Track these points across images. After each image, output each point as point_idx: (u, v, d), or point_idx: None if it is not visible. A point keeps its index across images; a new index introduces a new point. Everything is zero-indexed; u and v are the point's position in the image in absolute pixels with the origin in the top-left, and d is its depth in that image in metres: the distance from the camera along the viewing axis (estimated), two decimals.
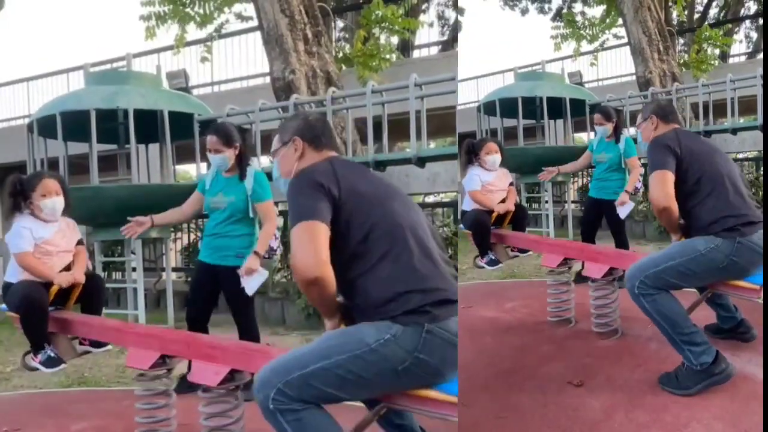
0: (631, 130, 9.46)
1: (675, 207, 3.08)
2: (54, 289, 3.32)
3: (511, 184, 4.89)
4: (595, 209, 5.50)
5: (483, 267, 4.64)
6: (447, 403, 2.05)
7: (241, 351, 2.63)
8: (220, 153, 3.82)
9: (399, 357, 1.98)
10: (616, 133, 5.39)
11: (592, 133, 7.29)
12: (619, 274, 3.90)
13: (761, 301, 3.09)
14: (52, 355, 3.27)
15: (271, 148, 2.43)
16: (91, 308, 3.48)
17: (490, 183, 4.72)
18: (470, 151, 4.84)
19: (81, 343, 3.44)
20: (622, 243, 5.36)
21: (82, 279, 3.39)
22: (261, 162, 6.65)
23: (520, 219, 4.80)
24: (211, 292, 3.90)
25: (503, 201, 4.73)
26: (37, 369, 3.28)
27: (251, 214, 3.83)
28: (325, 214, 2.05)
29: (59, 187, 3.45)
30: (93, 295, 3.48)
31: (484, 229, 4.56)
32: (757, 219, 3.04)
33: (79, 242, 3.59)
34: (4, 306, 3.44)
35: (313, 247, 1.99)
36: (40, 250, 3.36)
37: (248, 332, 3.84)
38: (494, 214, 4.61)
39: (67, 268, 3.45)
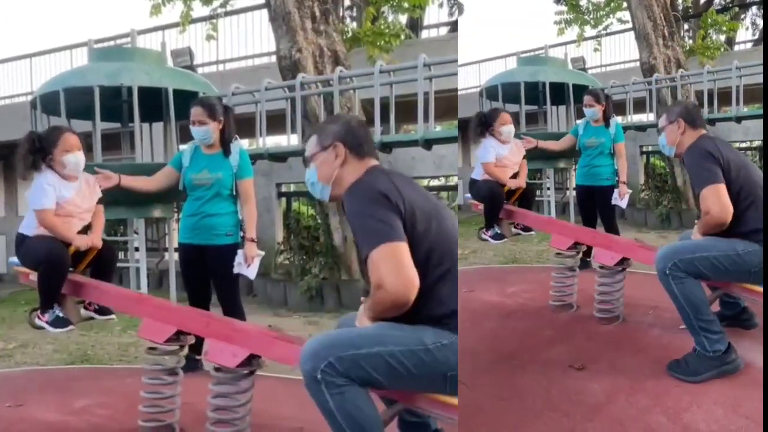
0: (635, 117, 9.45)
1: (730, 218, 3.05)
2: (70, 250, 3.26)
3: (524, 157, 4.84)
4: (589, 198, 5.47)
5: (487, 240, 4.61)
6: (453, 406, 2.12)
7: (262, 336, 2.60)
8: (204, 125, 3.78)
9: (450, 363, 2.04)
10: (605, 117, 5.35)
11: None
12: (630, 264, 3.93)
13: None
14: (60, 315, 3.21)
15: (306, 151, 2.31)
16: (102, 277, 3.43)
17: (504, 157, 4.65)
18: (483, 123, 4.74)
19: (86, 308, 3.40)
20: (612, 229, 5.34)
21: (99, 243, 3.35)
22: (266, 142, 6.65)
23: (527, 197, 4.78)
24: (204, 274, 3.88)
25: (515, 176, 4.71)
26: (43, 328, 3.22)
27: (234, 192, 3.83)
28: (402, 232, 2.01)
29: (80, 142, 3.37)
30: (105, 264, 3.45)
31: (497, 201, 4.52)
32: None
33: (99, 200, 3.51)
34: (14, 260, 3.38)
35: (404, 270, 1.96)
36: (61, 211, 3.27)
37: (234, 313, 3.76)
38: (505, 188, 4.60)
39: (84, 230, 3.39)
